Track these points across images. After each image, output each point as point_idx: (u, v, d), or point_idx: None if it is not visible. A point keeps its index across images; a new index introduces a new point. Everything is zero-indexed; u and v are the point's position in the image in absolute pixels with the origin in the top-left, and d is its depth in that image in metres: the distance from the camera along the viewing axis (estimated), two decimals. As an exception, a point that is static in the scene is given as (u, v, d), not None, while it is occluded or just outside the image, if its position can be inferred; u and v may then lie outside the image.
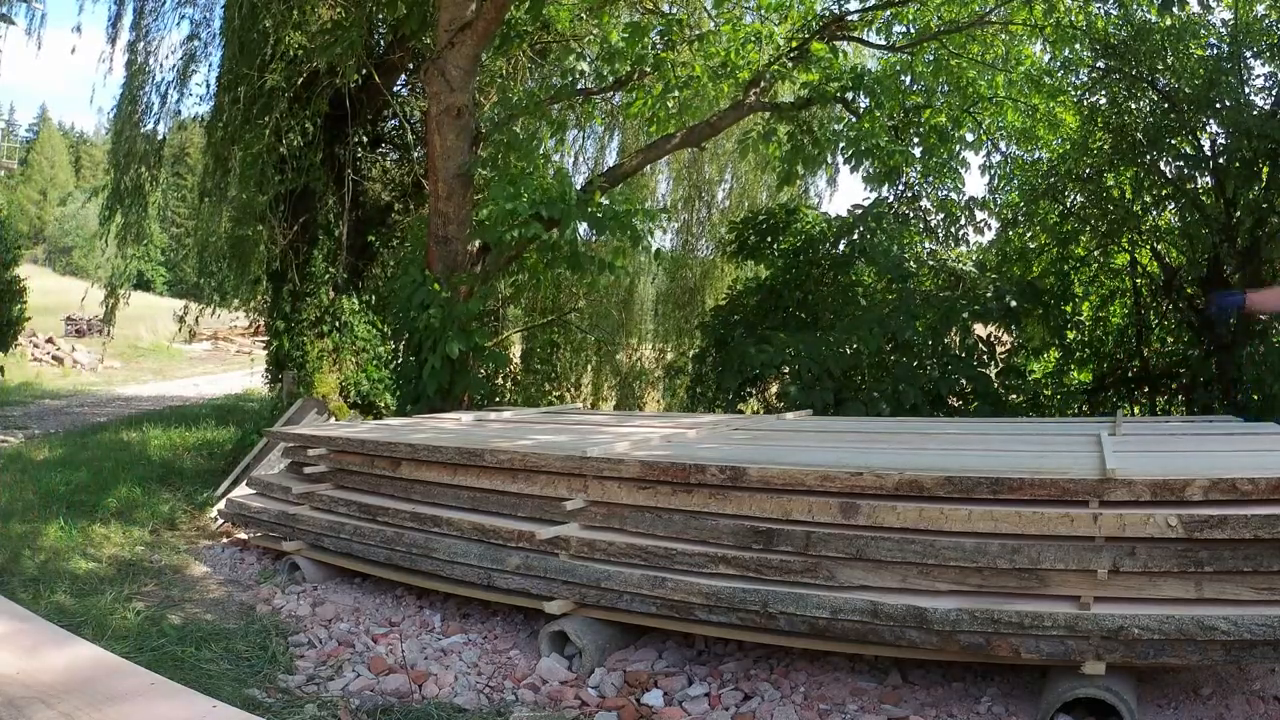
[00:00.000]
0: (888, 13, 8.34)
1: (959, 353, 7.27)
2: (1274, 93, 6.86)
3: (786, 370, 7.13)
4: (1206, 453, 3.51)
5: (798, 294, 8.08)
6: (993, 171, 9.16)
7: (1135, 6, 7.43)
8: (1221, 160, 6.84)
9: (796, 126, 8.27)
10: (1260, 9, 7.05)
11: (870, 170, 7.93)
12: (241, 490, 5.65)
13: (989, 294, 7.23)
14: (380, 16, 8.88)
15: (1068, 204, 8.29)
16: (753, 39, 8.06)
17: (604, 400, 12.77)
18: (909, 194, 8.90)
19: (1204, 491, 2.60)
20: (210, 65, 8.97)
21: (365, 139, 9.59)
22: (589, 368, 12.86)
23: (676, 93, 7.97)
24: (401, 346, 8.73)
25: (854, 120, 8.06)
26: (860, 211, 8.00)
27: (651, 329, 13.70)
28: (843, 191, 49.75)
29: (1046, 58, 8.47)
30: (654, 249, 7.68)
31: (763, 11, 8.53)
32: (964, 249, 8.80)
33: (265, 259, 9.04)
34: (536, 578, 3.49)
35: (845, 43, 8.53)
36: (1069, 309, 7.92)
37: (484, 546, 3.66)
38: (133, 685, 1.54)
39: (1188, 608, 2.53)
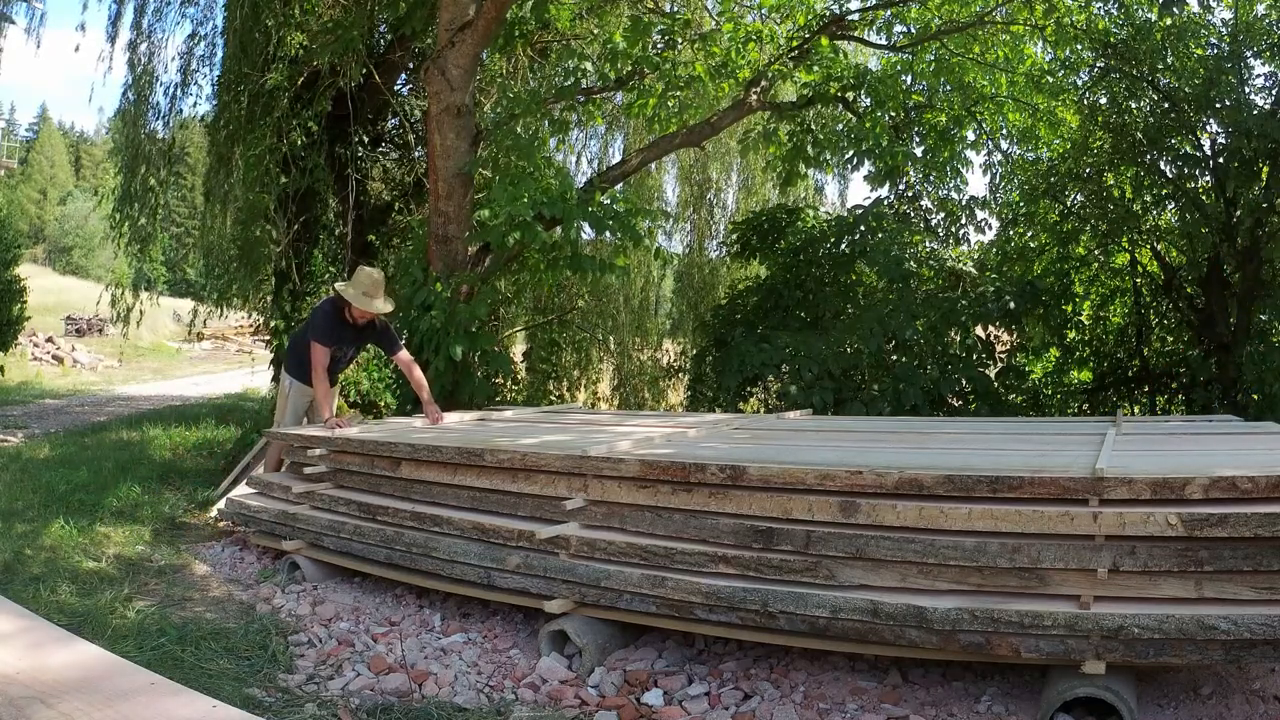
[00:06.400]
0: (888, 12, 8.33)
1: (959, 353, 7.27)
2: (1274, 93, 6.87)
3: (786, 370, 7.13)
4: (1206, 452, 3.51)
5: (798, 294, 8.09)
6: (994, 171, 9.18)
7: (1135, 6, 7.44)
8: (1221, 160, 6.85)
9: (797, 126, 8.28)
10: (1260, 9, 7.07)
11: (871, 170, 7.93)
12: (241, 489, 5.65)
13: (989, 294, 7.24)
14: (381, 16, 8.88)
15: (1068, 204, 8.31)
16: (754, 38, 8.06)
17: (603, 401, 12.74)
18: (909, 193, 8.91)
19: (1204, 490, 2.60)
20: (212, 65, 8.97)
21: (366, 138, 9.57)
22: (591, 367, 12.82)
23: (678, 92, 7.97)
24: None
25: (855, 120, 8.06)
26: (860, 211, 8.00)
27: (659, 328, 13.66)
28: (858, 187, 49.66)
29: (1047, 57, 8.47)
30: (654, 248, 7.67)
31: (764, 11, 8.53)
32: (964, 248, 8.81)
33: (270, 258, 9.02)
34: (536, 577, 3.49)
35: (847, 42, 8.52)
36: (1069, 309, 7.94)
37: (484, 546, 3.66)
38: (133, 685, 1.54)
39: (1188, 607, 2.53)
